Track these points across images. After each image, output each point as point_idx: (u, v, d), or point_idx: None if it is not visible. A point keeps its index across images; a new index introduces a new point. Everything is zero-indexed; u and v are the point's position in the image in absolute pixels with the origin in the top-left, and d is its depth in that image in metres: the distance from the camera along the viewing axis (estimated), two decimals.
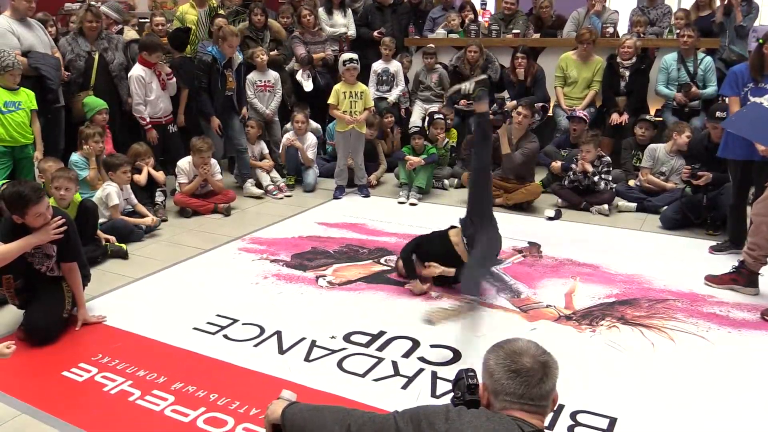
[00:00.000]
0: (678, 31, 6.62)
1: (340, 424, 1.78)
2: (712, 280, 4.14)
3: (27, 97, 5.10)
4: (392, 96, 7.39)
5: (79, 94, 5.84)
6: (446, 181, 6.65)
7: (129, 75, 5.86)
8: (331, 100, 6.19)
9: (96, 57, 5.95)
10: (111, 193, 4.98)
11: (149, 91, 5.87)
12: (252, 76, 6.91)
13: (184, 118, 6.49)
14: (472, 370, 1.86)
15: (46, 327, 3.40)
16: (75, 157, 5.33)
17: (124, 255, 4.73)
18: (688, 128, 5.71)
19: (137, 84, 5.80)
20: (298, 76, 7.21)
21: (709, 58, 6.45)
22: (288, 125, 6.85)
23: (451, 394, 1.87)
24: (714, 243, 4.81)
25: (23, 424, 2.73)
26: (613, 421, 2.70)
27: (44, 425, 2.71)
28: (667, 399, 2.88)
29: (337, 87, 6.22)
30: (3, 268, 3.30)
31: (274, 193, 6.38)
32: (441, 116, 6.75)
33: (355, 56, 6.28)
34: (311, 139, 6.72)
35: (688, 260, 4.59)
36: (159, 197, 5.69)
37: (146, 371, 3.11)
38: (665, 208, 5.45)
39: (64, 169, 4.63)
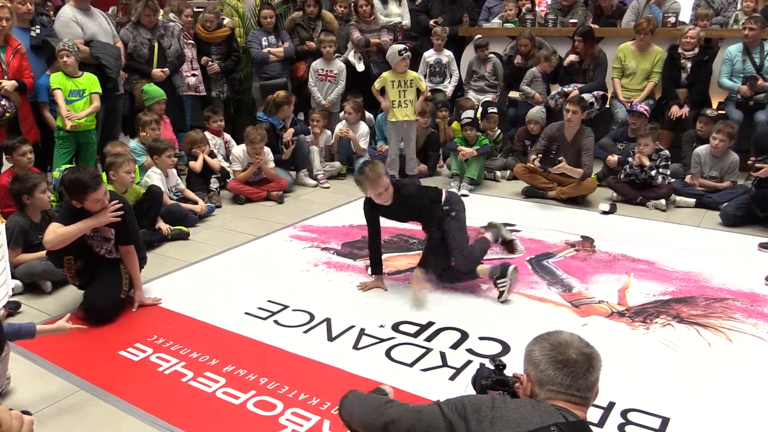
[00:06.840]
0: (743, 21, 6.37)
1: (382, 427, 1.78)
2: None
3: (89, 82, 5.26)
4: (449, 89, 7.37)
5: (141, 81, 6.00)
6: (498, 173, 6.58)
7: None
8: (376, 85, 6.16)
9: (156, 45, 6.11)
10: (153, 177, 5.05)
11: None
12: (316, 64, 6.98)
13: None
14: (498, 361, 2.01)
15: (105, 307, 3.50)
16: (133, 143, 5.47)
17: (185, 236, 4.87)
18: (719, 129, 5.48)
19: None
20: (351, 57, 7.20)
21: None
22: (341, 114, 6.87)
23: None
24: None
25: (81, 399, 2.82)
26: (665, 421, 2.64)
27: (101, 401, 2.80)
28: (722, 401, 2.79)
29: (385, 75, 6.15)
30: (64, 249, 3.42)
31: (322, 182, 6.41)
32: (495, 110, 6.68)
33: (408, 45, 6.24)
34: (363, 128, 6.72)
35: (749, 259, 4.44)
36: (214, 184, 5.79)
37: (199, 353, 3.18)
38: (726, 204, 5.27)
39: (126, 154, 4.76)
